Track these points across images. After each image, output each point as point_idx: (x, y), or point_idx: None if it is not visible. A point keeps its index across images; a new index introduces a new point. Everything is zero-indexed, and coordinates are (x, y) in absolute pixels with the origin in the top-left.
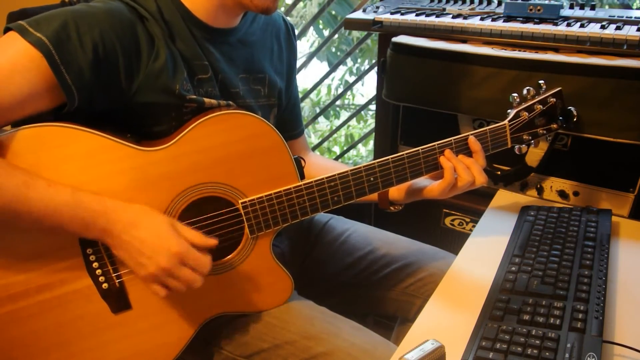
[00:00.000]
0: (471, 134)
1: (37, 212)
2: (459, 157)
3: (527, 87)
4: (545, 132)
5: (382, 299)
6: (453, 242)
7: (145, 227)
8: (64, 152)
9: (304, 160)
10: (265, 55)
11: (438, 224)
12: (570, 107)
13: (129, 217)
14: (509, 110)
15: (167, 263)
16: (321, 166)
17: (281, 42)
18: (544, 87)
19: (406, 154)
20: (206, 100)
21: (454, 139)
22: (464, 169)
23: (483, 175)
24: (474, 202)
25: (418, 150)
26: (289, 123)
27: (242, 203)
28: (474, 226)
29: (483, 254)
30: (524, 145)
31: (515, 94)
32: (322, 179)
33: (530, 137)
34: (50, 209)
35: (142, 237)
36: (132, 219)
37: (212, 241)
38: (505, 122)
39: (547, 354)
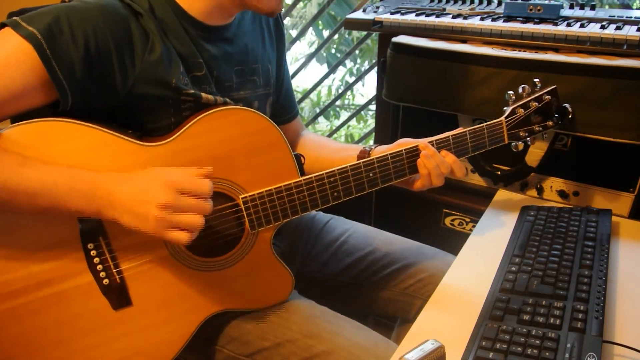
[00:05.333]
0: (468, 130)
1: (34, 189)
2: (433, 158)
3: (522, 85)
4: (541, 129)
5: (382, 300)
6: (453, 242)
7: (135, 179)
8: (66, 147)
9: (304, 157)
10: (258, 44)
11: (438, 224)
12: (565, 104)
13: (121, 178)
14: (505, 108)
15: (165, 197)
16: (314, 142)
17: (270, 27)
18: (539, 85)
19: (405, 150)
20: (203, 95)
21: (451, 136)
22: (436, 169)
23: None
24: (474, 202)
25: (416, 146)
26: (284, 107)
27: (242, 198)
28: (474, 226)
29: (483, 254)
30: (520, 142)
31: (511, 92)
32: (322, 174)
33: (526, 134)
34: (47, 185)
35: (134, 188)
36: (124, 178)
37: (206, 169)
38: (502, 118)
39: (547, 354)
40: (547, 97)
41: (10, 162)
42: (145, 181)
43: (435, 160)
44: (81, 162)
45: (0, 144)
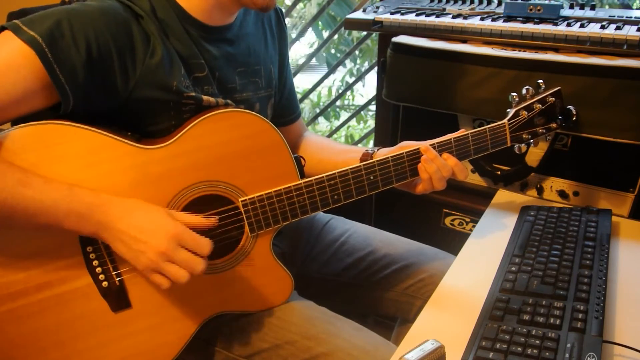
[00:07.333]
0: (470, 133)
1: (33, 208)
2: (434, 162)
3: (526, 87)
4: (544, 131)
5: (382, 300)
6: (453, 242)
7: (140, 214)
8: (64, 150)
9: (304, 159)
10: (260, 45)
11: (438, 224)
12: (569, 107)
13: (124, 207)
14: (508, 110)
15: (165, 246)
16: (316, 144)
17: (273, 28)
18: (543, 86)
19: (406, 152)
20: (204, 98)
21: (453, 138)
22: (437, 173)
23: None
24: (474, 202)
25: (417, 149)
26: (286, 108)
27: (242, 201)
28: (474, 226)
29: (483, 254)
30: (523, 145)
31: (514, 93)
32: (322, 177)
33: (529, 136)
34: (46, 205)
35: (137, 224)
36: (127, 208)
37: (211, 221)
38: (505, 121)
39: (547, 354)
40: (551, 98)
41: (12, 180)
42: (151, 222)
43: (436, 164)
44: (80, 165)
45: (2, 153)
